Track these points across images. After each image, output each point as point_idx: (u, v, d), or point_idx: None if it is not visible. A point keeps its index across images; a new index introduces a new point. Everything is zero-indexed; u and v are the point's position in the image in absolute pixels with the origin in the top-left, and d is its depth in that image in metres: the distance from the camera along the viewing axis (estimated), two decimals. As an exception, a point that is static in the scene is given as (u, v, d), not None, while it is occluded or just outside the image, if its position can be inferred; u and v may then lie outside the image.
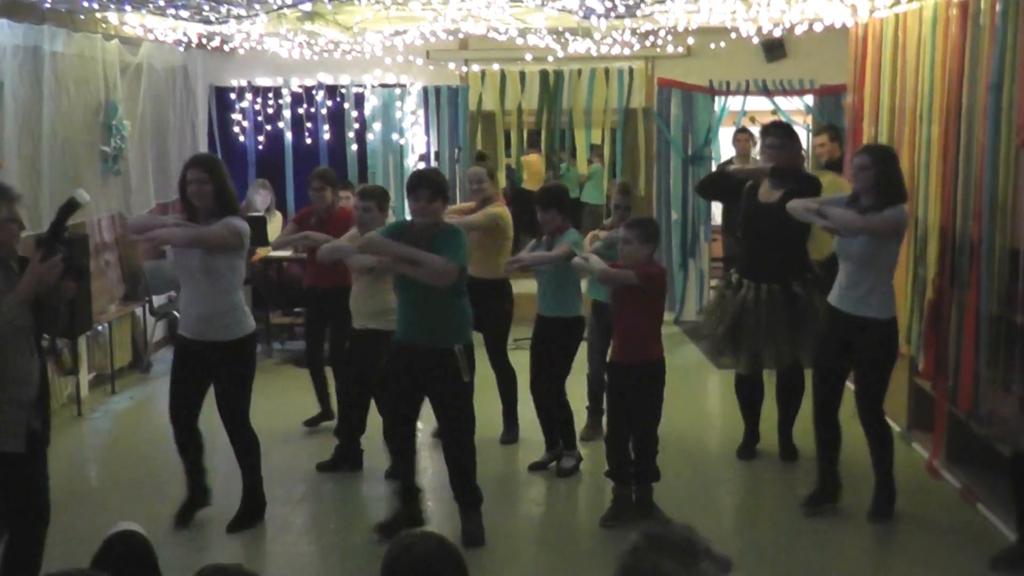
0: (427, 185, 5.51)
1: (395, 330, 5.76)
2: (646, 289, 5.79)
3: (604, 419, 7.50)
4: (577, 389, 7.20)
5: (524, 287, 7.51)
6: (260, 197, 10.50)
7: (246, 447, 6.05)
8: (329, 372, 7.66)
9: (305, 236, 7.18)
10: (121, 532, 3.53)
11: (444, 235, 5.53)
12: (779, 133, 6.82)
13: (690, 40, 9.81)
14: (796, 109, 11.26)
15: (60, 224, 4.69)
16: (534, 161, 12.76)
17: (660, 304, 6.09)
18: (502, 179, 11.01)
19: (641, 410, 5.93)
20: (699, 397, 8.94)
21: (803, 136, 11.16)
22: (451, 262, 5.40)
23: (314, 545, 5.98)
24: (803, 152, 7.15)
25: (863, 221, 5.69)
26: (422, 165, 11.20)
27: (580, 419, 7.16)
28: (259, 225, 9.73)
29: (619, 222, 7.23)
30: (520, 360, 7.30)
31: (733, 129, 10.95)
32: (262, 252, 9.71)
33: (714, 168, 10.82)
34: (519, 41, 9.40)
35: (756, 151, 10.26)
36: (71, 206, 4.72)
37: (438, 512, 6.25)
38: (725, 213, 9.67)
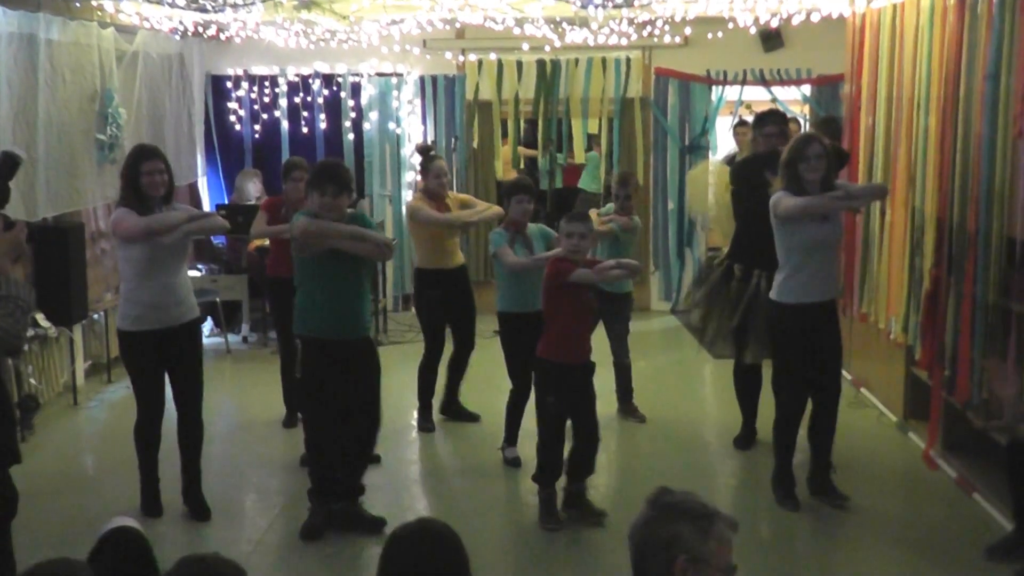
0: (335, 181, 5.51)
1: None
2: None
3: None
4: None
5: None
6: (252, 186, 10.49)
7: (200, 433, 6.07)
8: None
9: (287, 228, 7.15)
10: (116, 529, 3.50)
11: (356, 221, 5.63)
12: (776, 121, 6.84)
13: (687, 30, 9.77)
14: (793, 99, 11.25)
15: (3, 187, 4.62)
16: (504, 152, 12.75)
17: None
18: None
19: (591, 407, 5.92)
20: (695, 387, 8.94)
21: (802, 126, 11.17)
22: (391, 242, 5.67)
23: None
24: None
25: (879, 184, 5.73)
26: (418, 156, 11.15)
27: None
28: (252, 214, 9.69)
29: (620, 212, 7.25)
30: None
31: (730, 119, 10.93)
32: (257, 242, 9.69)
33: (712, 157, 10.81)
34: (516, 31, 9.37)
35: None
36: (11, 164, 4.65)
37: (435, 503, 6.26)
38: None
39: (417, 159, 11.04)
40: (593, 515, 5.87)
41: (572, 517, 5.87)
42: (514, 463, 6.78)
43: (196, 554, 2.67)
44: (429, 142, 11.07)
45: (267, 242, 9.38)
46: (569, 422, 5.93)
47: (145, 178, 5.70)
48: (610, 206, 7.62)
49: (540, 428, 5.93)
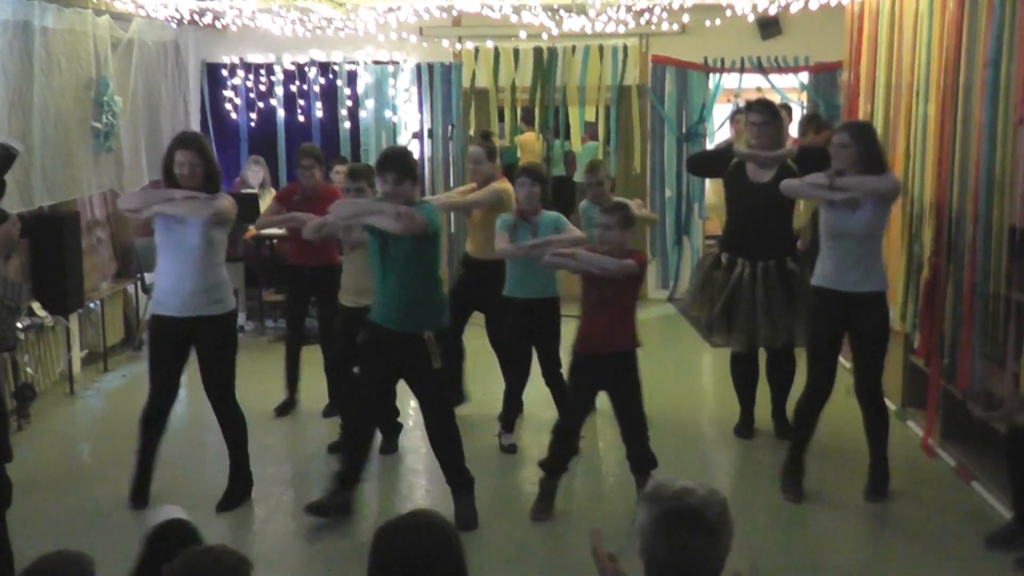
0: (393, 167, 5.44)
1: None
2: (640, 276, 5.70)
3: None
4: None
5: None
6: (253, 173, 10.46)
7: (233, 423, 6.03)
8: (309, 353, 7.67)
9: (292, 217, 7.14)
10: (168, 522, 3.40)
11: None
12: (762, 110, 6.80)
13: (685, 17, 9.75)
14: (791, 87, 11.23)
15: None
16: (530, 140, 12.71)
17: (639, 291, 5.96)
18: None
19: (628, 400, 5.77)
20: (693, 375, 8.94)
21: (798, 113, 11.16)
22: (415, 209, 5.36)
23: (308, 524, 5.95)
24: (785, 128, 7.10)
25: (881, 182, 5.66)
26: (415, 142, 11.15)
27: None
28: (252, 202, 9.68)
29: (595, 200, 7.18)
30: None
31: (728, 107, 10.92)
32: (254, 229, 9.66)
33: (709, 145, 10.79)
34: (513, 18, 9.34)
35: None
36: (6, 156, 4.63)
37: (432, 494, 6.24)
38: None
39: (414, 147, 11.08)
40: None
41: (569, 509, 5.84)
42: (510, 449, 6.78)
43: (203, 545, 2.65)
44: (426, 130, 11.03)
45: (258, 232, 9.38)
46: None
47: (177, 168, 5.67)
48: (587, 203, 7.54)
49: (561, 416, 5.97)
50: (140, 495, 5.94)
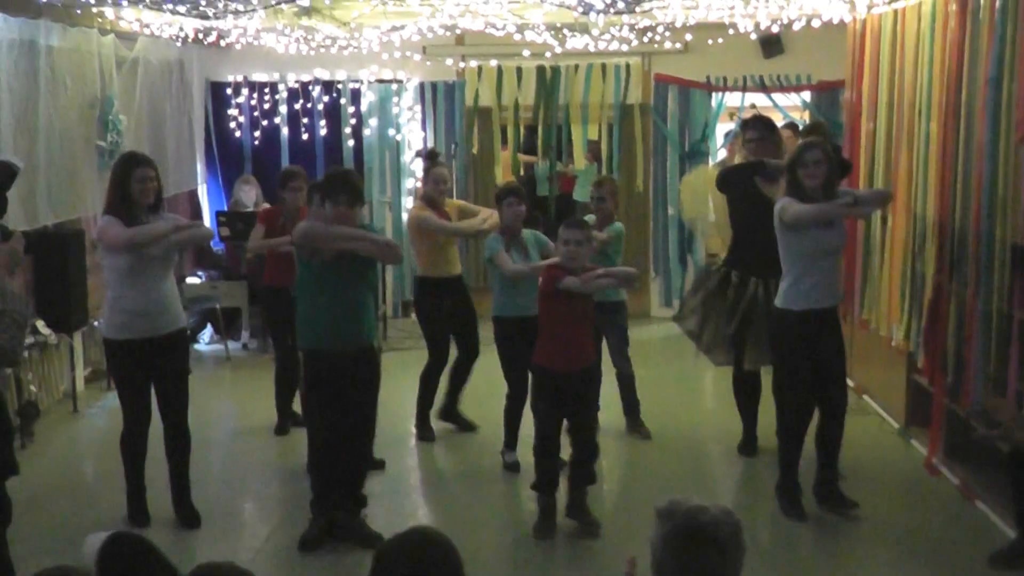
0: (347, 190, 5.48)
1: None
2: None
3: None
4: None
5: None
6: (245, 193, 10.47)
7: (186, 443, 5.99)
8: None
9: (288, 240, 7.08)
10: (112, 536, 3.40)
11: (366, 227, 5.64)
12: (758, 127, 6.85)
13: (688, 36, 9.78)
14: (794, 105, 11.25)
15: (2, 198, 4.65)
16: (504, 158, 12.77)
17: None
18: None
19: (590, 414, 5.96)
20: (696, 393, 8.92)
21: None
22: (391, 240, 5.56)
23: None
24: (783, 145, 7.11)
25: (884, 189, 5.73)
26: (419, 161, 11.17)
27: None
28: (250, 221, 9.69)
29: (599, 216, 7.20)
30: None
31: (731, 125, 10.94)
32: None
33: (711, 163, 10.80)
34: (516, 37, 9.37)
35: None
36: (8, 173, 4.66)
37: (435, 510, 6.24)
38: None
39: (418, 164, 11.11)
40: (589, 526, 5.83)
41: (573, 526, 5.83)
42: (513, 467, 6.77)
43: (212, 562, 2.66)
44: (432, 147, 11.05)
45: (249, 255, 9.37)
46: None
47: (136, 185, 5.66)
48: (591, 217, 7.56)
49: (535, 435, 5.91)
50: (140, 514, 5.96)
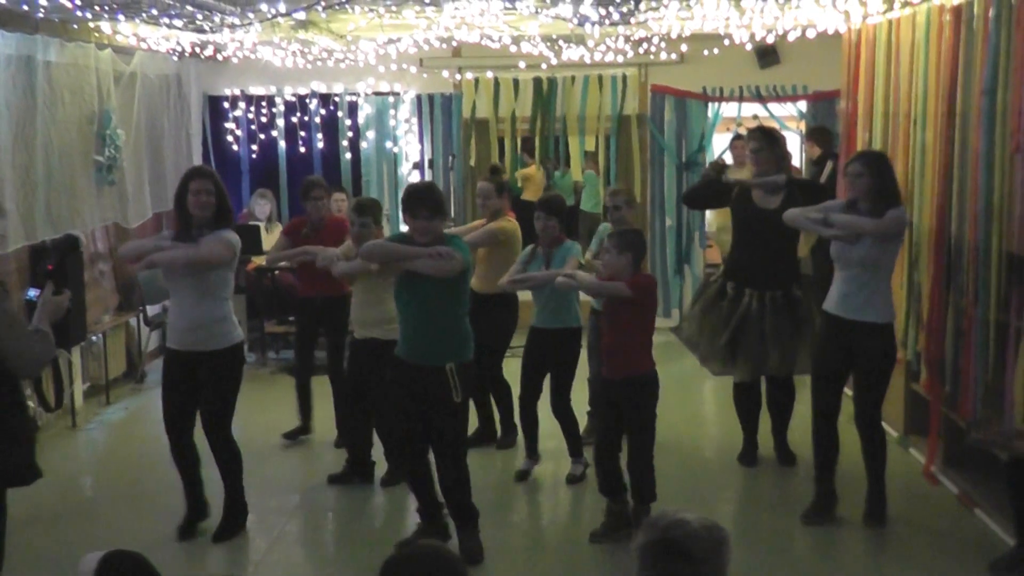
0: (426, 205, 5.41)
1: (396, 339, 5.69)
2: (637, 300, 5.72)
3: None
4: (576, 395, 7.15)
5: (525, 295, 7.46)
6: (259, 207, 10.47)
7: (229, 458, 6.04)
8: (317, 383, 7.66)
9: (305, 251, 7.12)
10: (109, 554, 3.40)
11: (448, 243, 5.48)
12: (760, 137, 6.88)
13: (683, 47, 9.80)
14: (789, 115, 11.28)
15: (63, 261, 4.91)
16: (534, 173, 12.80)
17: (651, 316, 6.00)
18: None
19: (634, 427, 5.87)
20: (696, 404, 8.93)
21: (796, 140, 11.20)
22: (454, 251, 5.36)
23: (310, 556, 5.96)
24: (788, 154, 7.15)
25: (872, 224, 5.70)
26: (416, 173, 11.21)
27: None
28: (254, 234, 9.71)
29: (615, 225, 7.24)
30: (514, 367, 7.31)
31: (728, 136, 10.96)
32: (257, 261, 9.69)
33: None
34: (512, 49, 9.40)
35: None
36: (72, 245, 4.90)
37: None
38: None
39: (416, 177, 11.14)
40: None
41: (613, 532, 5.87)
42: (521, 476, 6.87)
43: (222, 574, 2.68)
44: (427, 160, 11.07)
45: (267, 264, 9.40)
46: None
47: (191, 197, 5.70)
48: (606, 226, 7.56)
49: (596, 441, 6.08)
50: (198, 506, 6.11)
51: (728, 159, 10.48)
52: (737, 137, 10.49)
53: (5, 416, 4.50)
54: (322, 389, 7.61)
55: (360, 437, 6.86)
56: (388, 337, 6.12)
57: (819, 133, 9.81)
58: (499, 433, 7.55)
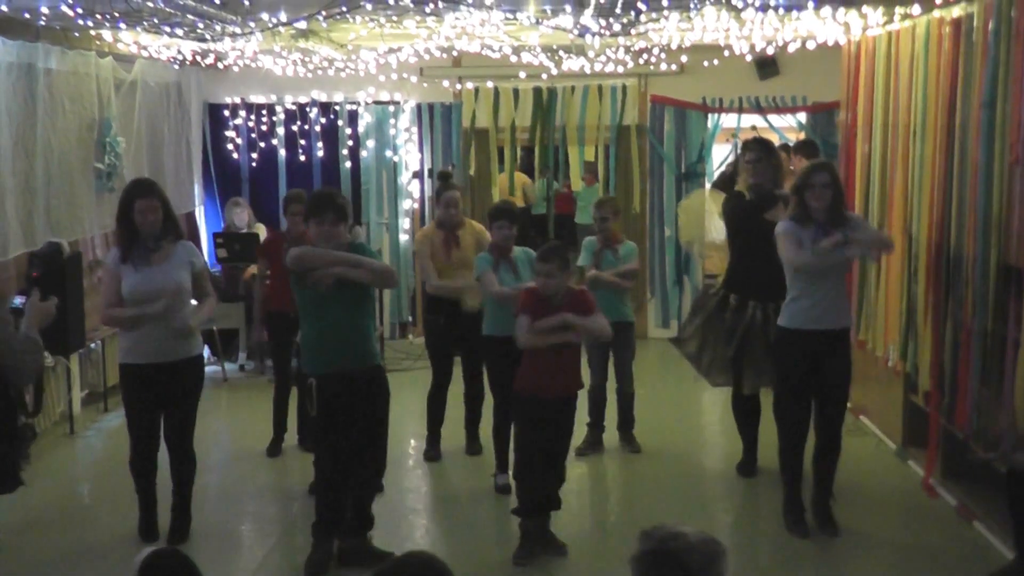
0: (331, 208, 5.44)
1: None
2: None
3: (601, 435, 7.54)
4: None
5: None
6: (237, 216, 10.48)
7: (191, 467, 6.03)
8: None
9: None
10: (155, 552, 3.39)
11: (355, 249, 5.53)
12: (757, 148, 6.88)
13: (683, 57, 9.82)
14: (789, 126, 11.29)
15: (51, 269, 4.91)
16: (519, 179, 12.88)
17: None
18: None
19: (566, 443, 5.89)
20: (694, 414, 8.93)
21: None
22: (388, 265, 5.54)
23: (304, 564, 5.94)
24: (783, 166, 7.19)
25: (879, 232, 5.77)
26: (416, 182, 11.23)
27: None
28: (250, 242, 9.71)
29: (601, 236, 7.23)
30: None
31: (727, 147, 10.98)
32: (253, 269, 9.68)
33: (707, 186, 10.86)
34: (513, 58, 9.41)
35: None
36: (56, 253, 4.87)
37: (431, 533, 6.23)
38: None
39: (415, 186, 11.16)
40: (555, 548, 5.81)
41: (535, 551, 5.75)
42: (504, 490, 6.69)
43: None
44: (445, 168, 11.07)
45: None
46: None
47: (137, 216, 5.67)
48: (592, 239, 7.55)
49: (515, 460, 5.85)
50: (150, 529, 5.99)
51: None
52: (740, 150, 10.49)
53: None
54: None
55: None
56: None
57: (808, 147, 9.76)
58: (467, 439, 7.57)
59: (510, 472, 6.31)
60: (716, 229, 8.42)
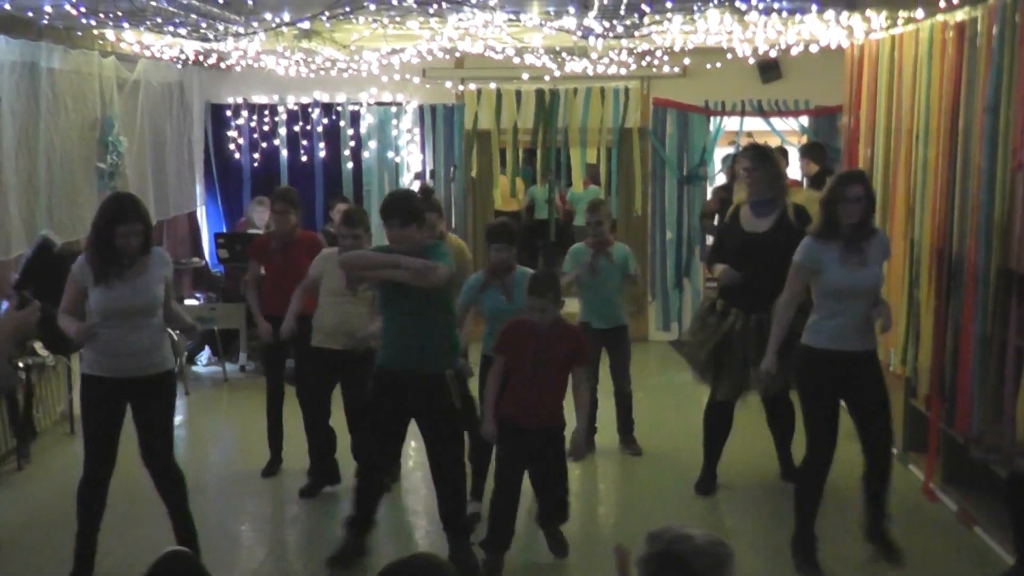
0: (396, 213, 5.40)
1: (351, 349, 5.71)
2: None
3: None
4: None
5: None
6: (258, 214, 10.45)
7: (177, 483, 5.63)
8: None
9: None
10: (169, 553, 3.40)
11: (430, 250, 5.46)
12: (752, 156, 6.71)
13: (686, 60, 9.83)
14: (791, 130, 11.29)
15: (32, 267, 4.53)
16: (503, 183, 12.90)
17: None
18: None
19: (556, 476, 5.70)
20: (697, 418, 8.88)
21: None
22: (437, 262, 5.32)
23: (308, 565, 5.94)
24: (784, 173, 7.08)
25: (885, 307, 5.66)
26: (417, 183, 11.22)
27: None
28: (250, 242, 9.69)
29: (593, 240, 7.15)
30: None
31: (729, 149, 10.98)
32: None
33: (709, 190, 10.89)
34: (516, 60, 9.41)
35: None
36: (46, 247, 4.56)
37: (431, 535, 6.22)
38: None
39: (417, 187, 11.14)
40: (559, 548, 5.80)
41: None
42: (473, 519, 6.09)
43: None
44: (428, 179, 11.05)
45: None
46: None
47: (120, 240, 5.25)
48: (580, 246, 7.52)
49: (495, 486, 5.68)
50: (84, 569, 5.61)
51: (723, 178, 10.50)
52: (734, 158, 10.47)
53: None
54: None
55: (320, 443, 6.86)
56: (344, 347, 6.38)
57: (815, 150, 9.80)
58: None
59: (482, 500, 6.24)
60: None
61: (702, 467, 6.89)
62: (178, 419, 7.15)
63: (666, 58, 9.91)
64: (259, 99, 11.22)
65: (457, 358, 5.61)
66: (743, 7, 6.76)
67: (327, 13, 6.87)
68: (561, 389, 5.58)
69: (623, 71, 10.17)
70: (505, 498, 5.56)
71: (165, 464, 5.57)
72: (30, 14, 7.02)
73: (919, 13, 6.79)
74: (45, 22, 7.31)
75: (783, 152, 10.27)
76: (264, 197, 10.67)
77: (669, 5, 6.76)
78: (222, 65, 10.34)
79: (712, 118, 11.08)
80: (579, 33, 7.61)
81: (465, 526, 5.69)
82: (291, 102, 11.18)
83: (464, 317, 6.30)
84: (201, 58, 9.81)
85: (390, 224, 5.41)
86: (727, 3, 6.76)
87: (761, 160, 6.61)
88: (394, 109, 11.20)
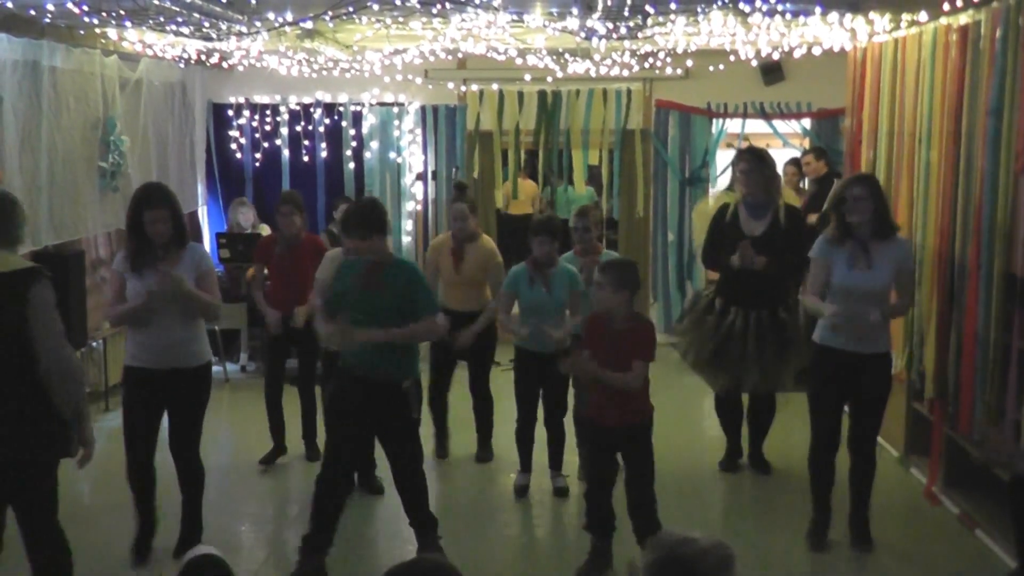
0: (360, 225, 5.40)
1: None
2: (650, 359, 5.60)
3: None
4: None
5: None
6: (243, 216, 10.47)
7: (197, 476, 5.89)
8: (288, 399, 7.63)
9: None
10: (201, 556, 3.42)
11: (397, 271, 5.46)
12: (749, 158, 6.90)
13: (689, 62, 9.82)
14: (794, 132, 11.29)
15: None
16: (528, 187, 12.87)
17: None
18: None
19: (636, 472, 5.61)
20: (695, 417, 8.91)
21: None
22: (436, 316, 5.47)
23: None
24: (779, 176, 7.21)
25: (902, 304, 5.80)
26: (419, 184, 11.22)
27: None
28: (253, 242, 9.69)
29: (580, 245, 7.10)
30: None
31: (731, 152, 10.97)
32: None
33: (712, 191, 10.88)
34: (518, 61, 9.41)
35: (804, 183, 10.35)
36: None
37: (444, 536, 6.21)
38: None
39: (419, 188, 11.16)
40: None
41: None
42: (520, 491, 6.83)
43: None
44: (460, 179, 11.05)
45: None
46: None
47: (148, 226, 5.57)
48: (570, 255, 7.50)
49: (586, 484, 5.93)
50: (142, 548, 5.89)
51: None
52: (791, 163, 10.46)
53: None
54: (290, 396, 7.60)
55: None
56: None
57: (819, 149, 9.86)
58: (477, 446, 7.64)
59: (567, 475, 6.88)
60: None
61: (725, 448, 7.36)
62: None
63: (669, 60, 9.90)
64: (261, 99, 11.21)
65: (417, 368, 5.61)
66: (746, 9, 6.76)
67: (330, 13, 6.87)
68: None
69: (625, 72, 10.17)
70: (593, 490, 5.70)
71: (189, 456, 5.84)
72: (32, 13, 7.01)
73: (922, 16, 6.78)
74: (47, 21, 7.30)
75: (796, 163, 10.35)
76: (244, 198, 10.70)
77: (673, 7, 6.76)
78: (224, 65, 10.34)
79: (714, 120, 11.07)
80: (582, 34, 7.60)
81: (429, 521, 5.70)
82: (293, 102, 11.17)
83: (509, 307, 6.69)
84: (203, 57, 9.81)
85: (351, 235, 5.40)
86: (730, 5, 6.75)
87: (758, 163, 6.81)
88: (396, 110, 11.19)
